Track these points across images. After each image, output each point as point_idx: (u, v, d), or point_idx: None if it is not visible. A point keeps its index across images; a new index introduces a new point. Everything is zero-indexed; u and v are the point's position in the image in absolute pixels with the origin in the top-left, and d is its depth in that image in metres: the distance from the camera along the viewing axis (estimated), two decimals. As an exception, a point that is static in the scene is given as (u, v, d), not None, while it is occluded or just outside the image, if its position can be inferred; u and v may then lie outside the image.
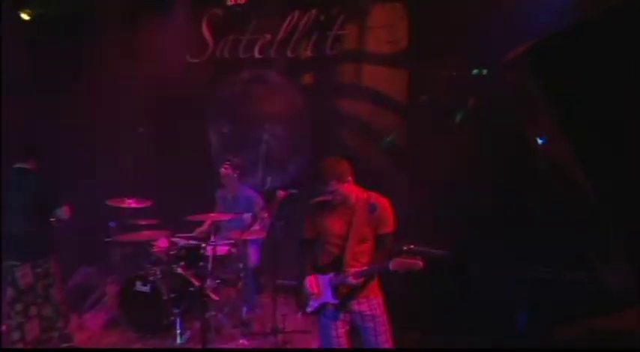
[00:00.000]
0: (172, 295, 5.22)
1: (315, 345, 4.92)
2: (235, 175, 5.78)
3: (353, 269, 3.60)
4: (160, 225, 5.82)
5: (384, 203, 3.71)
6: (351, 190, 3.70)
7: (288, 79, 6.82)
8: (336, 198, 3.67)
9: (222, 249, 5.51)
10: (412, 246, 3.70)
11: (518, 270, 4.54)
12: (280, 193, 4.98)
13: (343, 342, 3.72)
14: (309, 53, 6.70)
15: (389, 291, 3.76)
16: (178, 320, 5.18)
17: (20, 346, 4.69)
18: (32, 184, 4.73)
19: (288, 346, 5.15)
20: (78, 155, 6.69)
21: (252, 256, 5.79)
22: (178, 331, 5.16)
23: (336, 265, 3.65)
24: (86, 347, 5.20)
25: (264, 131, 6.85)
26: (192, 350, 5.10)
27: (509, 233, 4.75)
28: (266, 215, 5.56)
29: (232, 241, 5.53)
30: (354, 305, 3.66)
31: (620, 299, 4.26)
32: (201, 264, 5.38)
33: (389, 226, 3.68)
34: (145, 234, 5.52)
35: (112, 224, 5.87)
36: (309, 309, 3.75)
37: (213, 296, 5.28)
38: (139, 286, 5.32)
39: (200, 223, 5.89)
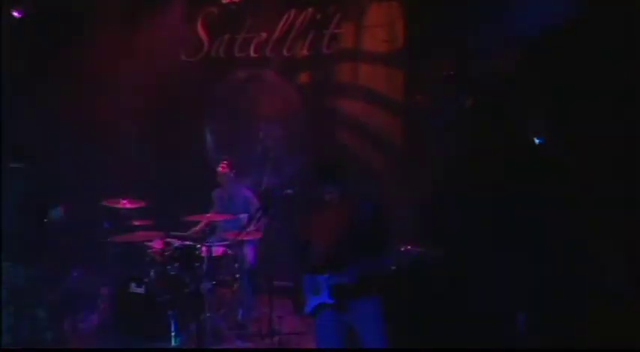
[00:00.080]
0: (167, 297, 5.19)
1: (311, 347, 4.89)
2: (232, 174, 5.80)
3: (349, 269, 3.58)
4: (155, 226, 5.79)
5: (379, 203, 3.71)
6: (346, 190, 3.68)
7: (284, 78, 6.82)
8: (332, 198, 3.67)
9: (217, 250, 5.49)
10: (409, 247, 3.68)
11: (517, 271, 4.53)
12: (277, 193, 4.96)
13: (340, 344, 3.71)
14: (305, 52, 6.69)
15: (386, 292, 3.74)
16: (173, 322, 5.14)
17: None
18: (25, 184, 4.70)
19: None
20: (71, 155, 6.67)
21: (249, 257, 5.77)
22: (173, 333, 5.13)
23: (333, 265, 3.64)
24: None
25: (260, 130, 6.85)
26: (192, 350, 5.07)
27: (508, 233, 4.73)
28: (262, 215, 5.53)
29: (228, 242, 5.50)
30: (351, 307, 3.65)
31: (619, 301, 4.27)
32: (196, 265, 5.35)
33: (385, 226, 3.68)
34: (139, 235, 5.50)
35: (106, 224, 5.84)
36: (306, 311, 3.74)
37: (208, 297, 5.24)
38: (134, 287, 5.29)
39: (195, 223, 5.87)
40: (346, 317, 3.69)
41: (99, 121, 6.90)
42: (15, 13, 6.76)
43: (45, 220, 4.77)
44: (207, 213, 5.88)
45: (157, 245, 5.52)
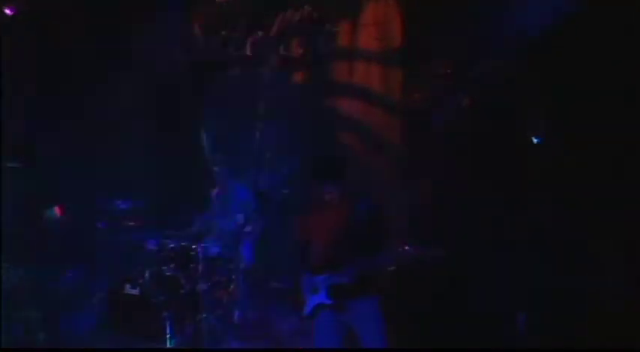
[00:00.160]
0: (162, 298, 5.18)
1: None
2: (230, 174, 5.78)
3: (347, 269, 3.59)
4: (150, 226, 5.77)
5: (377, 202, 3.74)
6: (343, 190, 3.68)
7: (281, 77, 6.79)
8: (329, 198, 3.67)
9: (213, 251, 5.49)
10: (407, 247, 3.69)
11: (517, 270, 4.55)
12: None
13: (338, 344, 3.71)
14: (301, 51, 6.67)
15: (385, 292, 3.75)
16: (168, 324, 5.14)
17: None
18: (22, 184, 4.71)
19: (282, 349, 5.15)
20: (66, 154, 6.64)
21: (245, 257, 5.76)
22: (168, 335, 5.12)
23: (331, 265, 3.65)
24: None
25: (257, 130, 6.84)
26: (190, 350, 5.06)
27: (508, 233, 4.76)
28: (258, 215, 5.54)
29: (224, 242, 5.49)
30: (350, 307, 3.66)
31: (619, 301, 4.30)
32: (192, 265, 5.35)
33: (383, 226, 3.70)
34: (134, 236, 5.46)
35: (100, 224, 5.82)
36: (305, 312, 3.75)
37: (204, 298, 5.24)
38: (128, 289, 5.30)
39: (192, 224, 5.85)
40: (344, 318, 3.70)
41: (94, 121, 6.89)
42: (7, 11, 6.73)
43: (41, 220, 4.76)
44: (204, 213, 5.86)
45: (152, 245, 5.52)
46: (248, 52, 6.87)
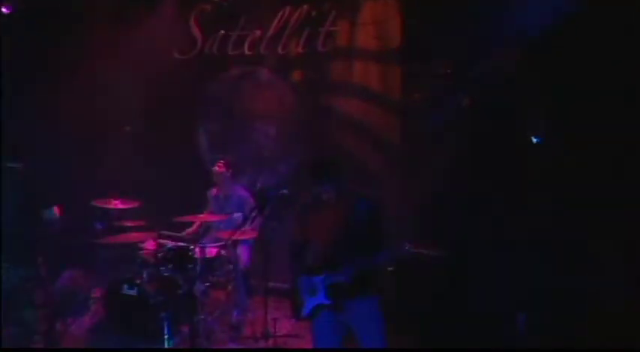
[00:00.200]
0: (160, 298, 5.16)
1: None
2: (228, 174, 5.81)
3: (345, 269, 3.60)
4: (148, 227, 5.77)
5: (375, 202, 3.73)
6: (342, 189, 3.69)
7: (279, 76, 6.81)
8: (327, 198, 3.68)
9: (211, 251, 5.48)
10: (406, 247, 3.68)
11: (517, 270, 4.56)
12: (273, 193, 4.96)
13: (337, 345, 3.71)
14: (300, 50, 6.69)
15: (385, 292, 3.76)
16: (166, 325, 5.11)
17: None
18: (21, 184, 4.70)
19: (280, 351, 5.14)
20: (63, 154, 6.63)
21: (243, 258, 5.77)
22: (166, 336, 5.11)
23: (329, 265, 3.65)
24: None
25: (255, 129, 6.85)
26: (189, 350, 5.06)
27: (506, 232, 4.76)
28: (256, 215, 5.53)
29: (222, 242, 5.49)
30: (349, 308, 3.65)
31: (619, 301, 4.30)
32: (189, 266, 5.35)
33: (381, 225, 3.69)
34: (131, 236, 5.48)
35: (97, 225, 5.83)
36: (303, 313, 3.75)
37: (202, 299, 5.24)
38: (126, 289, 5.27)
39: (189, 224, 5.87)
40: (343, 318, 3.69)
41: (90, 120, 6.88)
42: (3, 9, 6.72)
43: (40, 220, 4.76)
44: (201, 213, 5.88)
45: (149, 246, 5.52)
46: (247, 51, 6.89)
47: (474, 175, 5.13)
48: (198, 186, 6.14)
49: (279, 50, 6.74)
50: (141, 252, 5.54)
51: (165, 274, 5.33)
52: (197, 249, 5.36)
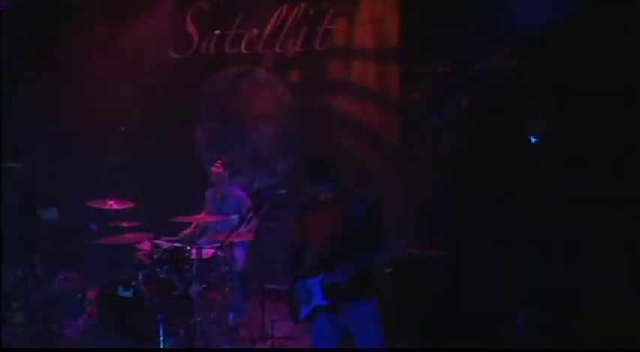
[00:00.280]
0: (156, 300, 5.17)
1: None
2: (226, 174, 5.84)
3: (343, 269, 3.60)
4: (144, 228, 5.78)
5: (373, 201, 3.74)
6: (340, 189, 3.71)
7: (276, 75, 6.83)
8: (325, 198, 3.69)
9: (208, 252, 5.49)
10: (405, 247, 3.70)
11: (516, 270, 4.58)
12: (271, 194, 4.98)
13: (336, 346, 3.73)
14: (297, 49, 6.71)
15: (383, 293, 3.77)
16: (162, 327, 5.13)
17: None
18: (20, 184, 4.72)
19: (277, 352, 5.15)
20: (58, 154, 6.65)
21: (240, 259, 5.79)
22: (162, 338, 5.12)
23: (327, 266, 3.66)
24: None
25: (252, 129, 6.87)
26: (189, 351, 5.07)
27: (506, 232, 4.79)
28: (253, 216, 5.54)
29: (219, 243, 5.51)
30: (347, 310, 3.67)
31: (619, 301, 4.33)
32: (186, 267, 5.36)
33: (380, 225, 3.70)
34: (127, 237, 5.49)
35: (93, 226, 5.84)
36: (301, 316, 3.76)
37: (198, 301, 5.24)
38: (121, 291, 5.26)
39: (185, 225, 5.89)
40: (342, 319, 3.70)
41: (86, 119, 6.90)
42: None
43: (38, 220, 4.78)
44: (198, 213, 5.89)
45: (145, 247, 5.53)
46: (244, 50, 6.91)
47: (473, 175, 5.15)
48: (195, 186, 6.16)
49: (277, 49, 6.76)
50: (137, 253, 5.54)
51: (161, 275, 5.34)
52: (193, 250, 5.37)
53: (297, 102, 6.75)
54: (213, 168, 5.87)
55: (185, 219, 5.69)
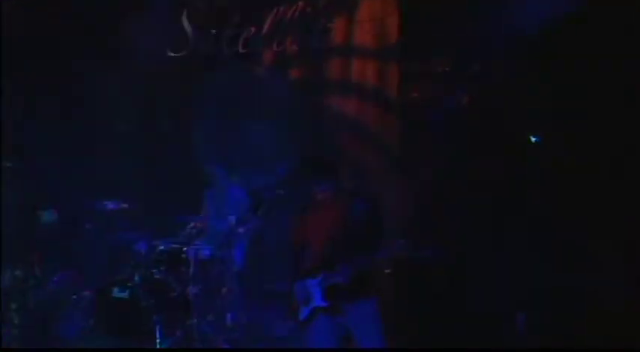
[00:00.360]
0: (152, 301, 5.21)
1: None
2: (224, 174, 5.83)
3: (342, 269, 3.63)
4: (140, 228, 5.81)
5: (372, 201, 3.77)
6: (338, 189, 3.74)
7: (274, 74, 6.83)
8: (325, 198, 3.72)
9: (205, 253, 5.52)
10: (405, 247, 3.74)
11: (516, 270, 4.63)
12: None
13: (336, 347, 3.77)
14: (295, 47, 6.71)
15: (383, 293, 3.81)
16: (158, 328, 5.17)
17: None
18: (19, 184, 4.76)
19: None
20: (54, 154, 6.66)
21: (238, 260, 5.81)
22: (158, 339, 5.16)
23: (326, 267, 3.69)
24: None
25: (250, 129, 6.88)
26: (188, 351, 5.10)
27: (505, 232, 4.84)
28: (251, 217, 5.59)
29: (216, 244, 5.54)
30: (347, 311, 3.70)
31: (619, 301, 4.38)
32: (183, 268, 5.39)
33: (379, 225, 3.74)
34: (123, 237, 5.51)
35: (88, 226, 5.85)
36: (300, 317, 3.78)
37: (195, 302, 5.28)
38: (117, 292, 5.30)
39: (182, 225, 5.89)
40: (341, 320, 3.73)
41: (82, 119, 6.92)
42: None
43: (37, 221, 4.81)
44: (196, 214, 5.92)
45: (141, 247, 5.55)
46: (241, 49, 6.96)
47: (473, 174, 5.20)
48: (192, 186, 6.19)
49: (274, 48, 6.77)
50: (133, 253, 5.56)
51: (158, 276, 5.38)
52: (190, 251, 5.40)
53: (296, 101, 6.77)
54: (212, 169, 5.87)
55: (183, 220, 5.70)
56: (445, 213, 5.23)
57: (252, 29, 6.84)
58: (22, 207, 4.72)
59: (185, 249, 5.47)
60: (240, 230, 5.68)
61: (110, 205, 5.81)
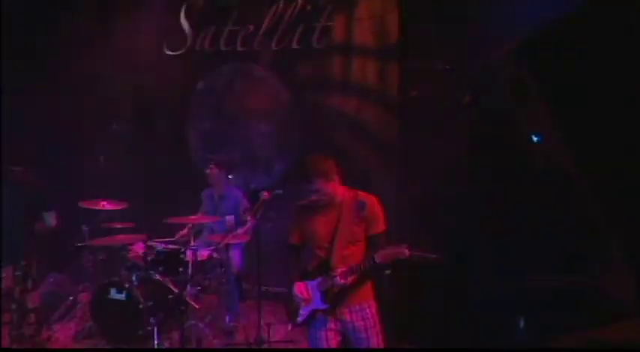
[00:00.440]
0: (149, 303, 5.21)
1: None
2: (223, 174, 5.89)
3: (340, 269, 3.65)
4: (137, 229, 5.84)
5: (372, 201, 3.76)
6: (337, 189, 3.74)
7: (273, 72, 6.87)
8: (322, 198, 3.72)
9: (203, 254, 5.55)
10: (405, 248, 3.76)
11: (515, 274, 4.65)
12: (265, 194, 5.04)
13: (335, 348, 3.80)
14: (295, 45, 6.74)
15: (383, 298, 3.83)
16: (156, 330, 5.17)
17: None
18: (19, 185, 4.79)
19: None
20: (48, 154, 6.70)
21: (235, 260, 5.85)
22: (156, 342, 5.18)
23: (325, 268, 3.70)
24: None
25: (248, 128, 6.92)
26: (187, 351, 5.13)
27: (506, 235, 4.86)
28: (250, 217, 5.61)
29: (214, 245, 5.57)
30: (346, 314, 3.72)
31: (620, 309, 4.40)
32: (180, 269, 5.42)
33: (379, 225, 3.74)
34: (120, 238, 5.55)
35: (84, 227, 5.88)
36: (299, 319, 3.80)
37: (193, 304, 5.30)
38: (114, 294, 5.31)
39: (180, 226, 5.93)
40: (340, 322, 3.75)
41: (77, 118, 6.96)
42: None
43: (36, 222, 4.85)
44: (194, 214, 5.95)
45: (138, 248, 5.57)
46: (239, 47, 6.99)
47: (474, 174, 5.22)
48: (190, 186, 6.22)
49: (274, 46, 6.79)
50: (130, 255, 5.59)
51: (155, 278, 5.39)
52: (188, 252, 5.41)
53: (295, 99, 6.78)
54: (210, 168, 5.90)
55: (180, 220, 5.74)
56: (445, 213, 5.25)
57: (251, 27, 6.88)
58: (23, 207, 4.75)
59: (183, 249, 5.49)
60: (239, 230, 5.72)
61: (108, 205, 5.84)
